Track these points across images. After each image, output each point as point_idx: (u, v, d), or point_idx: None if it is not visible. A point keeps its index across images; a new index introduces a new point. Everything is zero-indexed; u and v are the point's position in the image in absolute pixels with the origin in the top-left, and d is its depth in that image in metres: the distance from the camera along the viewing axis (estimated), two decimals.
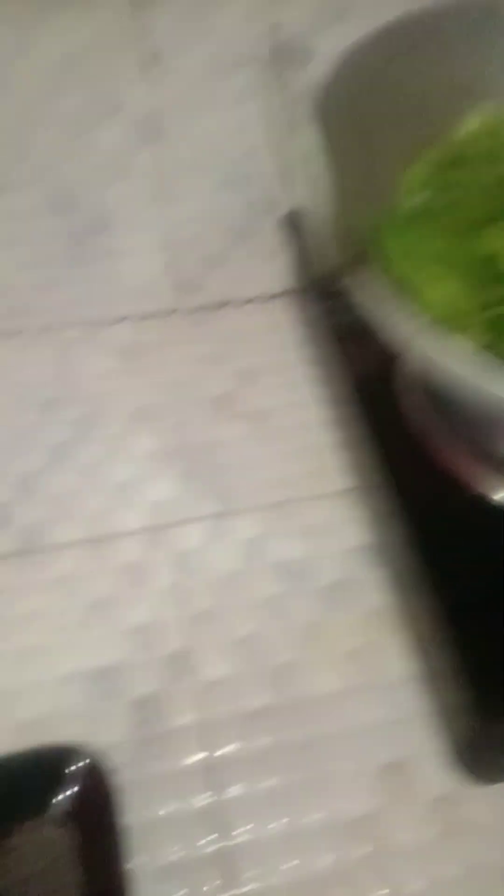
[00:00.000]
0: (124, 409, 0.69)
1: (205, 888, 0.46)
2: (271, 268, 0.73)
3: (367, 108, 0.47)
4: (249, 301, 0.75)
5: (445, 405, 0.53)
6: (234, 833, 0.47)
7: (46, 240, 0.68)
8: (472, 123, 0.53)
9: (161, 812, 0.48)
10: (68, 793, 0.46)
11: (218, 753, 0.50)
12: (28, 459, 0.66)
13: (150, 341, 0.74)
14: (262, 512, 0.62)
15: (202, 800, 0.48)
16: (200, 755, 0.50)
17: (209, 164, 0.66)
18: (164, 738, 0.51)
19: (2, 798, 0.46)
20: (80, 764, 0.46)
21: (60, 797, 0.46)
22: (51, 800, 0.46)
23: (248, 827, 0.47)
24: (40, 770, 0.46)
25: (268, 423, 0.68)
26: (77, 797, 0.46)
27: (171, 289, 0.73)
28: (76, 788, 0.46)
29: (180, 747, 0.50)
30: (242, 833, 0.47)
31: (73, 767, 0.46)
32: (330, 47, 0.49)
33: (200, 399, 0.70)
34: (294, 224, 0.69)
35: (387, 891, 0.45)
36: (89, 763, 0.46)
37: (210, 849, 0.47)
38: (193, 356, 0.73)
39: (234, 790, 0.49)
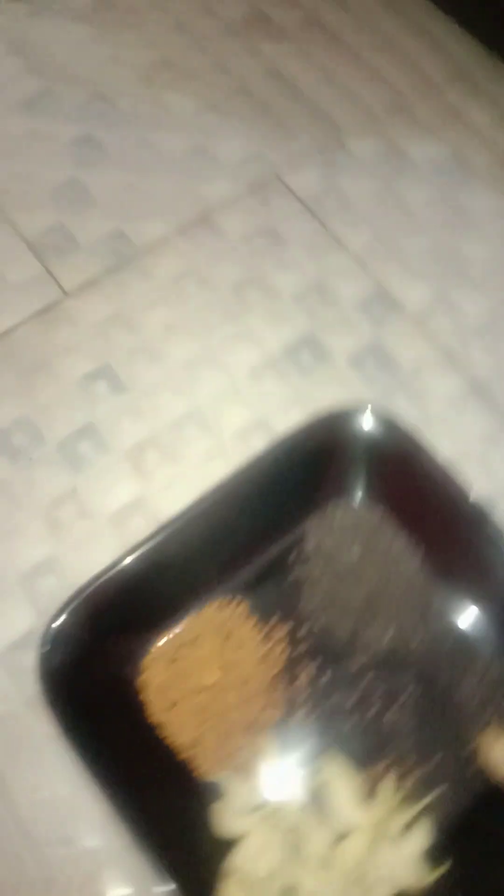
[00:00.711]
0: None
1: None
2: None
3: None
4: None
5: None
6: None
7: None
8: None
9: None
10: (368, 450, 0.38)
11: None
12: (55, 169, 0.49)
13: None
14: None
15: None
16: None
17: None
18: None
19: (302, 466, 0.38)
20: (372, 422, 0.37)
21: (361, 458, 0.37)
22: (351, 465, 0.38)
23: None
24: (332, 434, 0.37)
25: None
26: (377, 454, 0.37)
27: None
28: (374, 443, 0.37)
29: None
30: None
31: (365, 425, 0.37)
32: None
33: None
34: None
35: None
36: (381, 419, 0.37)
37: None
38: None
39: None
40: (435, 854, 0.32)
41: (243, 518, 0.37)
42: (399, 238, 0.46)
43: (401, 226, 0.47)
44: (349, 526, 0.38)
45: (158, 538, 0.36)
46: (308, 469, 0.38)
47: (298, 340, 0.43)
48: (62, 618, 0.34)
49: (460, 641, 0.36)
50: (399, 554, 0.37)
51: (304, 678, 0.36)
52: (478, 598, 0.36)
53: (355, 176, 0.48)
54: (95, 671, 0.35)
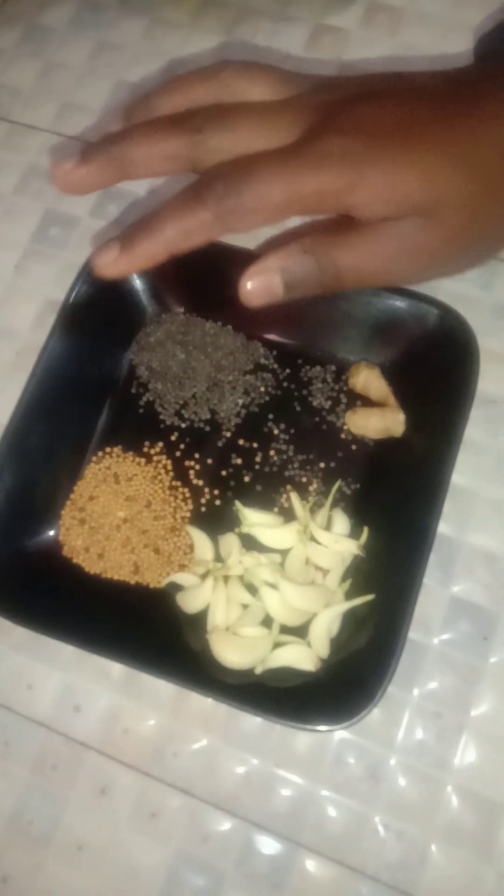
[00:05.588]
0: None
1: None
2: None
3: None
4: None
5: None
6: None
7: None
8: None
9: None
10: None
11: None
12: None
13: None
14: None
15: None
16: None
17: None
18: None
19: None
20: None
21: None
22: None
23: None
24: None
25: None
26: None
27: None
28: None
29: None
30: None
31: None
32: None
33: None
34: None
35: None
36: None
37: None
38: None
39: None
40: (355, 527, 0.38)
41: (70, 388, 0.40)
42: None
43: None
44: (162, 338, 0.42)
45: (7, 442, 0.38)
46: (104, 310, 0.41)
47: None
48: None
49: (295, 371, 0.41)
50: (214, 334, 0.42)
51: (192, 473, 0.40)
52: (285, 333, 0.42)
53: None
54: (23, 568, 0.38)
